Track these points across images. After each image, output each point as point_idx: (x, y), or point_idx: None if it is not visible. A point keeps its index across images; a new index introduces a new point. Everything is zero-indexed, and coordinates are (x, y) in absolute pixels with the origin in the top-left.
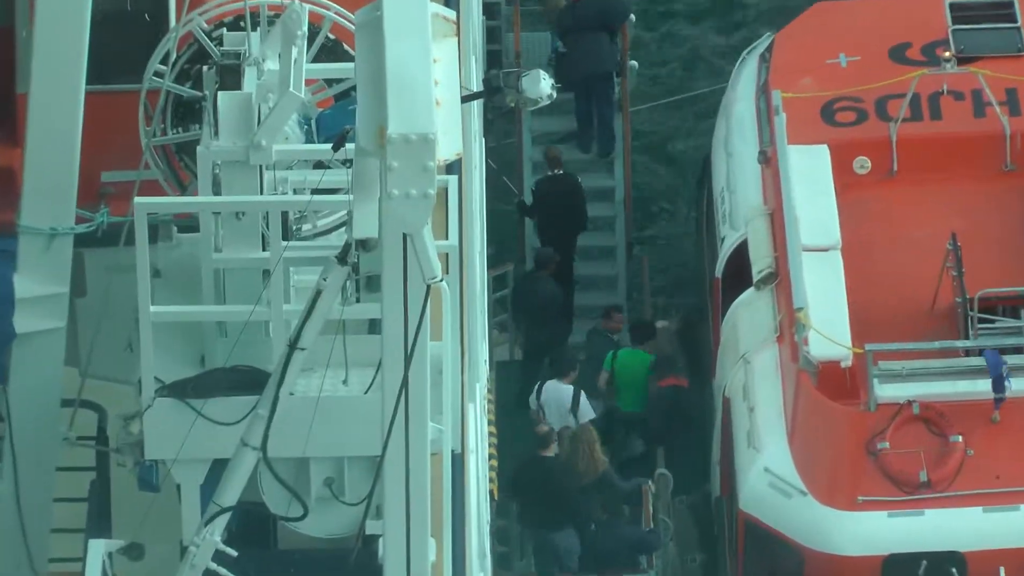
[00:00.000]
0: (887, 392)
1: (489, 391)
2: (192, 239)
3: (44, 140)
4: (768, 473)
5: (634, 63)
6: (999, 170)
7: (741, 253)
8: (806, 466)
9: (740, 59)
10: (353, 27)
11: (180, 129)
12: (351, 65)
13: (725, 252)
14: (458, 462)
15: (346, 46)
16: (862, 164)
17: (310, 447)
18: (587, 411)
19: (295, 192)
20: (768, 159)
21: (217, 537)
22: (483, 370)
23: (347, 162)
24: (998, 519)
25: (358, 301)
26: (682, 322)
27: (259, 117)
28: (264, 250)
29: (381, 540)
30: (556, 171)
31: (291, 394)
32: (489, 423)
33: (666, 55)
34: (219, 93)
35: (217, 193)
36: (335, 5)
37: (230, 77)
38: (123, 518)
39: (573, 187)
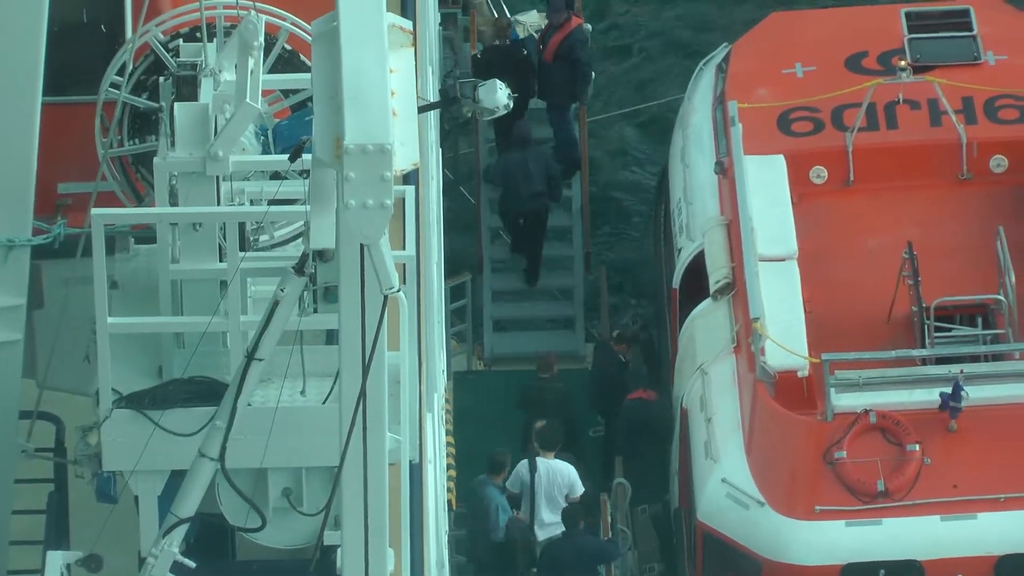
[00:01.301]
0: (844, 401)
1: (447, 401)
2: (149, 250)
3: (0, 151)
4: (726, 484)
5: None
6: (955, 179)
7: (698, 264)
8: (763, 476)
9: (697, 70)
10: (309, 38)
11: (137, 140)
12: (308, 76)
13: (682, 263)
14: (416, 472)
15: (302, 57)
16: (818, 174)
17: (268, 458)
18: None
19: (252, 203)
20: (724, 169)
21: (175, 548)
22: (441, 380)
23: (304, 173)
24: (956, 528)
25: (315, 312)
26: (642, 332)
27: (216, 128)
28: (221, 261)
29: (339, 550)
30: (503, 41)
31: (249, 405)
32: (447, 433)
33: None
34: (175, 104)
35: (174, 204)
36: (291, 16)
37: (186, 88)
38: (81, 530)
39: (520, 56)
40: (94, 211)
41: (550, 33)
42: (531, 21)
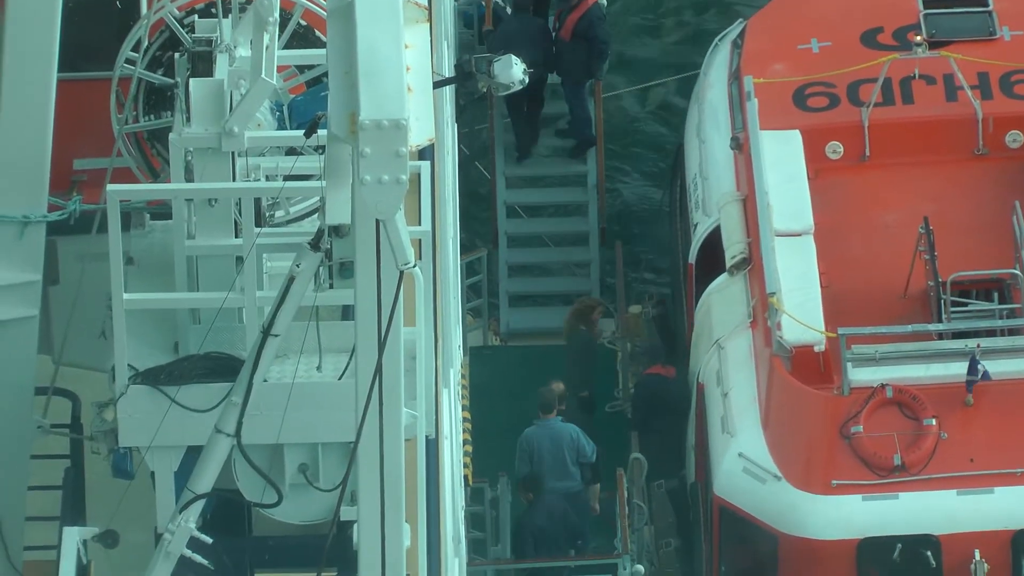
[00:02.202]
0: (860, 376)
1: (463, 376)
2: (165, 226)
3: (16, 128)
4: (742, 458)
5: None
6: (971, 154)
7: (714, 239)
8: (780, 451)
9: (712, 46)
10: (325, 13)
11: (152, 116)
12: (323, 51)
13: (698, 238)
14: (432, 448)
15: (318, 32)
16: (834, 149)
17: (284, 433)
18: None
19: (268, 179)
20: (740, 145)
21: (192, 524)
22: (457, 355)
23: (319, 148)
24: (972, 502)
25: (331, 287)
26: (658, 307)
27: (231, 104)
28: (237, 237)
29: (356, 526)
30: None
31: (265, 380)
32: (463, 408)
33: None
34: (191, 80)
35: (189, 180)
36: None
37: (202, 64)
38: (97, 505)
39: (541, 26)
40: (109, 187)
41: (566, 12)
42: None
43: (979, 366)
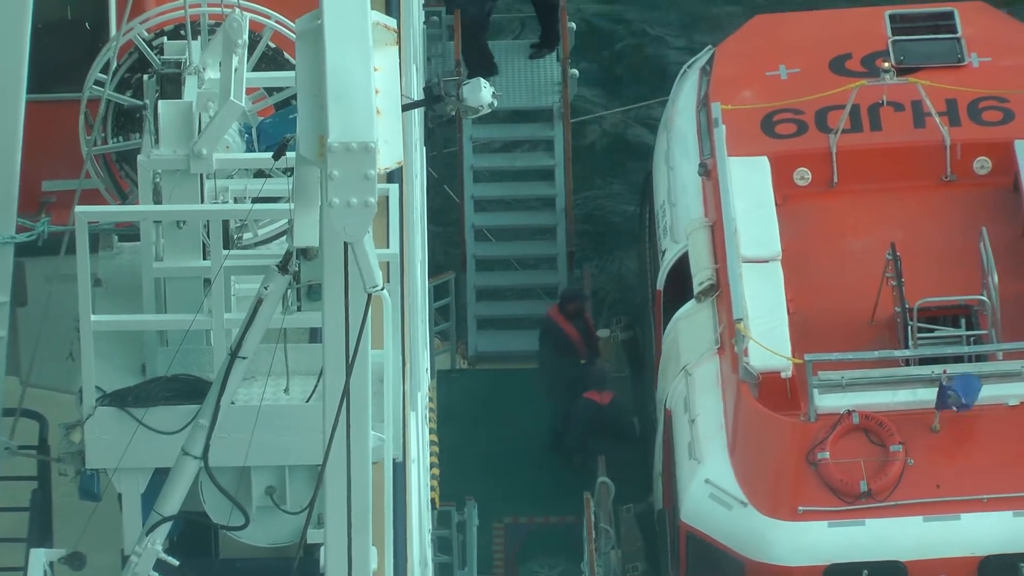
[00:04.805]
0: (827, 402)
1: (430, 400)
2: (133, 248)
3: None
4: (709, 484)
5: (575, 71)
6: (939, 180)
7: (682, 266)
8: (747, 477)
9: (680, 72)
10: (294, 35)
11: (121, 138)
12: (292, 74)
13: (666, 265)
14: (399, 471)
15: (287, 55)
16: (802, 175)
17: (251, 456)
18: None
19: (236, 201)
20: (708, 171)
21: (158, 546)
22: (424, 379)
23: (288, 171)
24: (939, 528)
25: (299, 310)
26: (627, 331)
27: (200, 126)
28: (205, 259)
29: (323, 549)
30: None
31: (232, 403)
32: (430, 432)
33: None
34: (160, 102)
35: (158, 202)
36: (276, 14)
37: (170, 86)
38: (65, 527)
39: None
40: (78, 208)
41: None
42: None
43: (949, 393)
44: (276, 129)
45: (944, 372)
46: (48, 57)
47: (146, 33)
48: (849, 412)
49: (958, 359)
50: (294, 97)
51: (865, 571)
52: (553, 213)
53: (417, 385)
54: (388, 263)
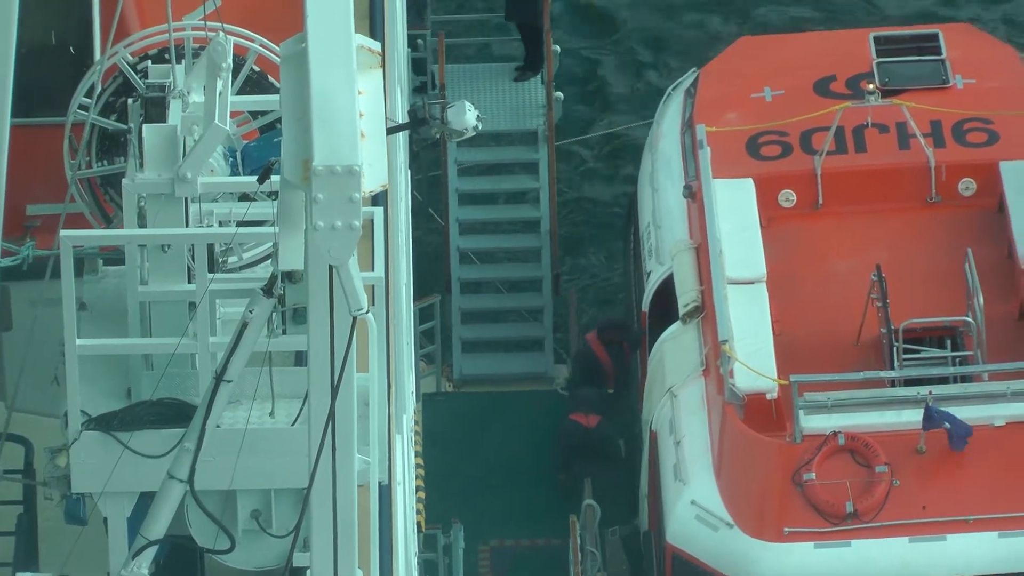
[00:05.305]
0: (813, 423)
1: (416, 423)
2: (118, 272)
3: None
4: (695, 506)
5: (559, 94)
6: (924, 202)
7: (668, 287)
8: (733, 498)
9: (665, 95)
10: (278, 59)
11: (105, 162)
12: (276, 97)
13: (651, 286)
14: (385, 494)
15: (271, 78)
16: (787, 197)
17: (237, 479)
18: None
19: (221, 224)
20: (693, 193)
21: (144, 570)
22: (410, 401)
23: (273, 194)
24: (924, 549)
25: (284, 333)
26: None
27: (184, 150)
28: (190, 283)
29: (309, 572)
30: None
31: (218, 426)
32: (416, 455)
33: None
34: (144, 126)
35: (142, 226)
36: (260, 37)
37: (155, 110)
38: (50, 551)
39: None
40: (63, 232)
41: None
42: None
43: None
44: (261, 152)
45: (930, 393)
46: (33, 81)
47: (130, 57)
48: (835, 433)
49: (943, 380)
50: (278, 120)
51: None
52: (538, 236)
53: (403, 408)
54: (373, 286)
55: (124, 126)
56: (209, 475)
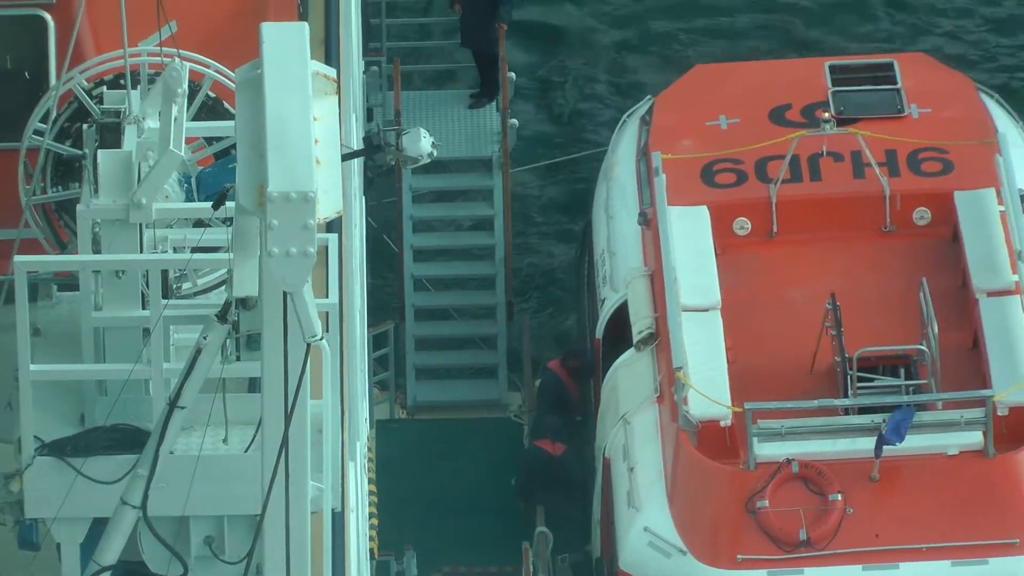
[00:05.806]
0: (766, 451)
1: (369, 449)
2: (72, 297)
3: None
4: (648, 532)
5: (514, 121)
6: (878, 231)
7: (622, 314)
8: (686, 525)
9: (620, 122)
10: (233, 85)
11: (60, 188)
12: (231, 123)
13: (606, 313)
14: (338, 521)
15: (227, 104)
16: (742, 225)
17: (190, 506)
18: None
19: (175, 250)
20: (648, 220)
21: None
22: (363, 428)
23: (228, 220)
24: None
25: (238, 359)
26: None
27: (139, 175)
28: (144, 308)
29: None
30: None
31: (171, 453)
32: (369, 481)
33: None
34: (99, 151)
35: (97, 251)
36: (215, 63)
37: (110, 135)
38: None
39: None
40: (17, 258)
41: None
42: None
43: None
44: (216, 179)
45: (884, 421)
46: None
47: (86, 83)
48: (788, 461)
49: (898, 408)
50: (234, 147)
51: None
52: (492, 263)
53: (356, 435)
54: (327, 313)
55: (79, 152)
56: (162, 501)
